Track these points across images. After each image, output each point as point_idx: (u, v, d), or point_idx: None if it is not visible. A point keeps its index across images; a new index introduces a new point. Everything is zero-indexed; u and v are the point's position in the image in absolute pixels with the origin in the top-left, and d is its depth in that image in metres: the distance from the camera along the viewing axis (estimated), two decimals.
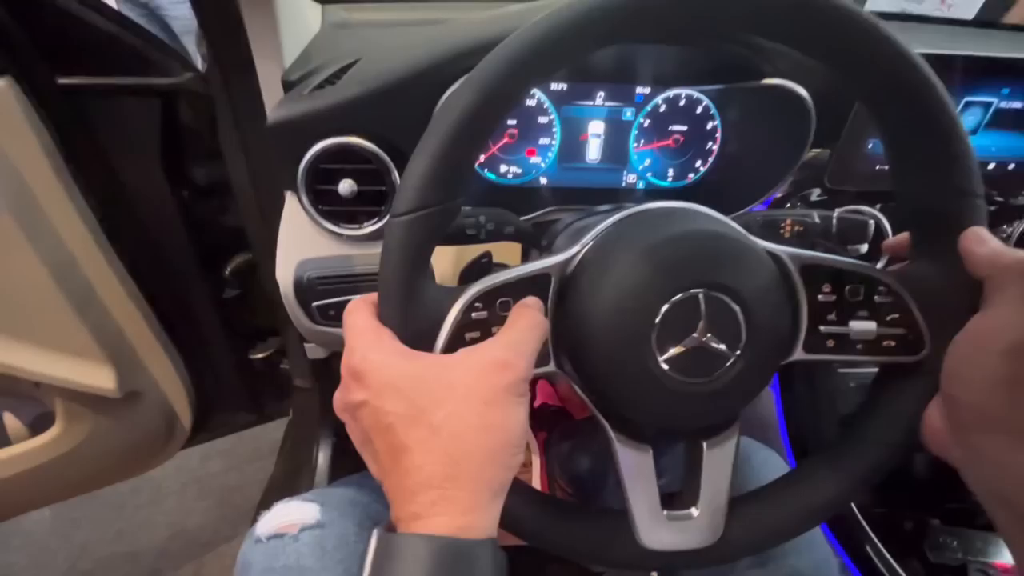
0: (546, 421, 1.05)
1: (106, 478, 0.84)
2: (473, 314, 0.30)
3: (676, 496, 0.35)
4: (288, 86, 0.49)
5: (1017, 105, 0.51)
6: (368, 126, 0.45)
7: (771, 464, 0.49)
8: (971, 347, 0.29)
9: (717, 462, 0.34)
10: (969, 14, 2.65)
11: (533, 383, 1.07)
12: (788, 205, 0.57)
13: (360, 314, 0.29)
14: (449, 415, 0.25)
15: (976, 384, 0.28)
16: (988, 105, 0.51)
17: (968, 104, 0.50)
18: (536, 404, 1.08)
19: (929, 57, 0.48)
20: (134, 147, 0.62)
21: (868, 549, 0.54)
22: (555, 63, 0.27)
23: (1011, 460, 0.27)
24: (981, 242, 0.29)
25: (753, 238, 0.33)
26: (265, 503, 0.45)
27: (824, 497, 0.34)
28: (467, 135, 0.27)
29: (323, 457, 0.88)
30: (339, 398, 0.29)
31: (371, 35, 0.57)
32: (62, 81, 0.55)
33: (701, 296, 0.29)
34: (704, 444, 0.34)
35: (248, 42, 0.49)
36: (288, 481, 0.91)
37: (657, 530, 0.33)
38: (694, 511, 0.34)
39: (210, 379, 0.83)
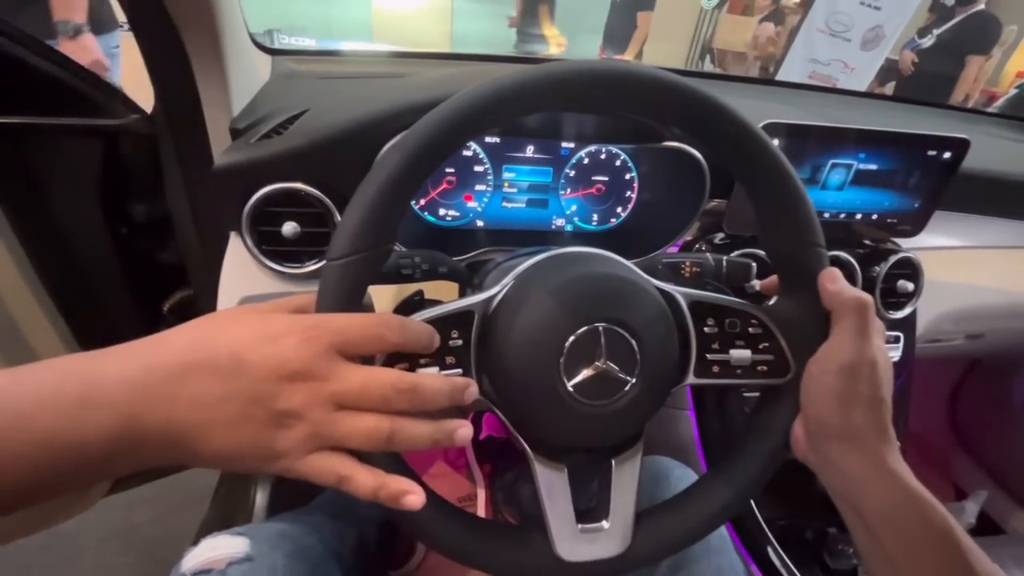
0: (491, 453, 1.07)
1: (13, 532, 0.78)
2: None
3: (589, 511, 0.39)
4: (236, 133, 0.51)
5: (873, 167, 0.61)
6: (312, 173, 0.48)
7: (686, 480, 0.54)
8: (816, 369, 0.35)
9: (624, 477, 0.38)
10: (865, 82, 3.00)
11: (478, 416, 1.09)
12: (696, 247, 0.64)
13: None
14: None
15: (819, 399, 0.34)
16: (849, 167, 0.60)
17: (834, 165, 0.60)
18: (482, 436, 1.10)
19: (803, 127, 0.58)
20: (72, 184, 0.62)
21: (771, 555, 0.60)
22: (472, 134, 0.32)
23: (845, 462, 0.33)
24: (833, 281, 0.36)
25: (647, 278, 0.38)
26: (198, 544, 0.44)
27: (718, 505, 0.39)
28: (395, 191, 0.31)
29: (261, 497, 0.85)
30: None
31: (318, 87, 0.61)
32: None
33: (601, 329, 0.34)
34: (612, 462, 0.38)
35: (196, 89, 0.52)
36: (222, 524, 0.87)
37: (572, 542, 0.37)
38: (605, 523, 0.37)
39: None
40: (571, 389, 0.34)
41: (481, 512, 1.00)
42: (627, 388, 0.35)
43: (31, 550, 1.13)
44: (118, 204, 0.67)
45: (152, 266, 0.73)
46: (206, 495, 1.07)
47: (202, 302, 0.70)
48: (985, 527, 1.09)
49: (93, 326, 0.68)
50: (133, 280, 0.71)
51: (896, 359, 0.71)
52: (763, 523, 0.62)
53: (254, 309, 0.30)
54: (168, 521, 1.24)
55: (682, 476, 0.54)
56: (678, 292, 0.38)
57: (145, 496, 1.25)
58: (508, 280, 0.37)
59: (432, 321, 0.34)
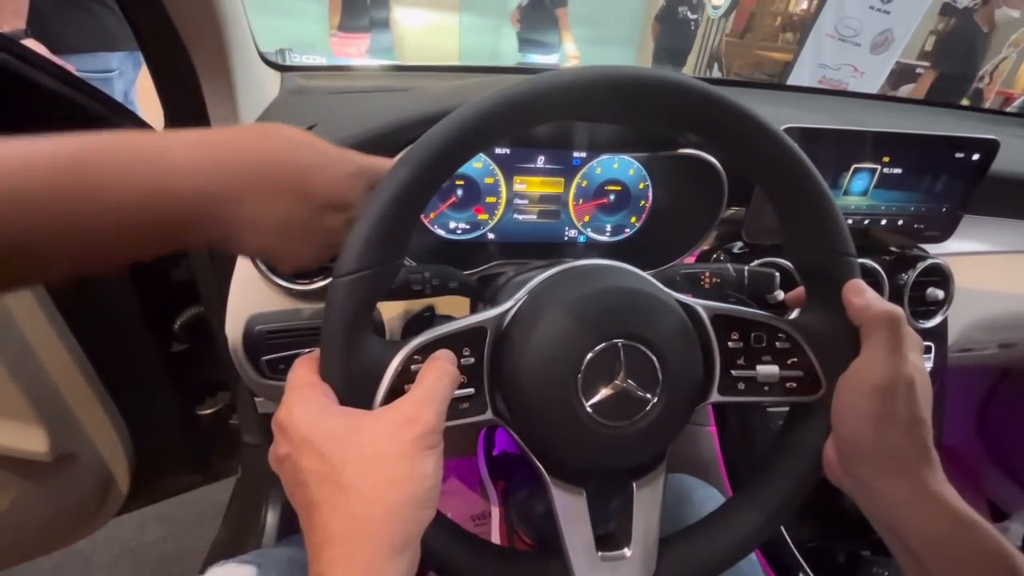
0: (505, 470, 1.04)
1: (29, 552, 0.77)
2: (413, 366, 0.32)
3: (610, 537, 0.36)
4: None
5: (898, 171, 0.59)
6: None
7: (710, 501, 0.51)
8: (847, 388, 0.33)
9: (646, 501, 0.36)
10: (875, 86, 2.98)
11: (491, 432, 1.08)
12: (714, 257, 0.62)
13: (300, 369, 0.30)
14: (356, 472, 0.26)
15: (852, 421, 0.32)
16: (873, 171, 0.58)
17: (856, 170, 0.58)
18: (495, 452, 1.08)
19: (824, 131, 0.56)
20: None
21: None
22: (481, 146, 0.31)
23: (884, 486, 0.31)
24: (859, 294, 0.34)
25: (667, 291, 0.37)
26: (206, 570, 0.43)
27: (746, 531, 0.37)
28: (403, 205, 0.30)
29: (272, 517, 0.84)
30: (271, 451, 0.30)
31: (326, 102, 0.61)
32: None
33: (620, 345, 0.33)
34: (634, 485, 0.36)
35: (205, 106, 0.52)
36: (233, 544, 0.87)
37: (591, 571, 0.35)
38: (627, 551, 0.35)
39: (153, 438, 0.79)
40: (589, 409, 0.32)
41: (495, 530, 0.97)
42: (648, 407, 0.33)
43: (45, 569, 1.13)
44: None
45: (163, 282, 0.72)
46: (218, 513, 1.06)
47: (213, 319, 0.70)
48: None
49: (102, 341, 0.68)
50: (144, 296, 0.71)
51: (928, 370, 0.68)
52: (793, 546, 0.59)
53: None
54: (180, 539, 1.23)
55: (706, 497, 0.52)
56: (700, 305, 0.37)
57: (157, 514, 1.25)
58: (521, 295, 0.36)
59: (443, 339, 0.33)
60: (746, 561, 0.47)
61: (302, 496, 0.27)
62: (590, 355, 0.32)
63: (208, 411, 0.86)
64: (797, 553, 0.59)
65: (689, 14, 3.51)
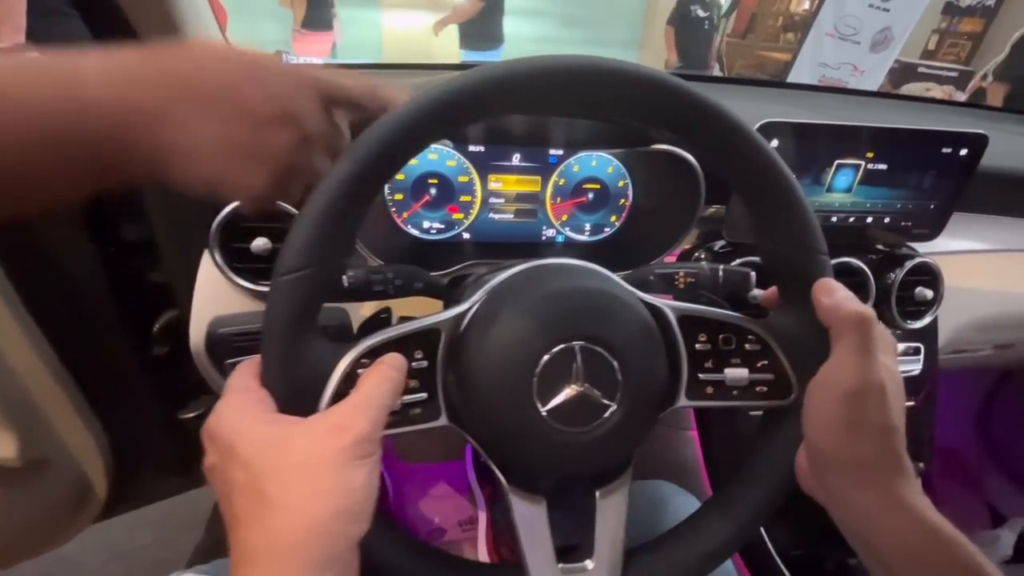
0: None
1: (15, 556, 0.76)
2: (360, 371, 0.30)
3: (573, 548, 0.35)
4: None
5: (883, 166, 0.57)
6: None
7: (687, 508, 0.49)
8: (817, 394, 0.31)
9: (610, 511, 0.35)
10: (875, 84, 2.95)
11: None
12: (695, 256, 0.61)
13: (239, 374, 0.29)
14: (280, 484, 0.24)
15: (822, 428, 0.30)
16: (857, 167, 0.57)
17: (840, 165, 0.56)
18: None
19: (804, 126, 0.54)
20: None
21: None
22: (423, 142, 0.30)
23: (855, 496, 0.29)
24: (828, 293, 0.32)
25: (631, 290, 0.35)
26: None
27: (717, 541, 0.35)
28: (344, 201, 0.28)
29: None
30: (204, 460, 0.28)
31: None
32: None
33: (577, 348, 0.31)
34: (597, 493, 0.35)
35: None
36: (214, 550, 0.86)
37: None
38: (589, 563, 0.34)
39: (132, 442, 0.78)
40: (545, 414, 0.31)
41: (482, 538, 0.96)
42: (608, 413, 0.32)
43: (33, 574, 1.12)
44: (103, 223, 0.66)
45: (141, 285, 0.71)
46: (208, 517, 1.06)
47: (189, 322, 0.69)
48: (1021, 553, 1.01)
49: (77, 344, 0.67)
50: (120, 298, 0.70)
51: (917, 372, 0.67)
52: (775, 555, 0.57)
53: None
54: (172, 543, 1.23)
55: (683, 504, 0.50)
56: (667, 305, 0.35)
57: (148, 518, 1.24)
58: (479, 296, 0.34)
59: (394, 341, 0.31)
60: (724, 571, 0.46)
61: (228, 509, 0.25)
62: (546, 357, 0.31)
63: (191, 415, 0.85)
64: (781, 562, 0.57)
65: (700, 12, 3.41)
